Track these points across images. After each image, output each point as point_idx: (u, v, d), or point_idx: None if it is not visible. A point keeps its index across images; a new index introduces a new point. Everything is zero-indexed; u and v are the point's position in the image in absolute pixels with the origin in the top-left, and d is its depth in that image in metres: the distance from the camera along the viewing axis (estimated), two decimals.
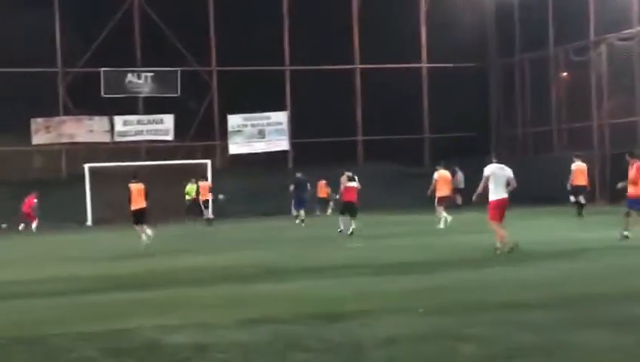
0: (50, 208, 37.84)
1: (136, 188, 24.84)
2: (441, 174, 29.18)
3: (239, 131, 42.17)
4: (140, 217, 24.55)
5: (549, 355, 8.13)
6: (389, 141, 42.29)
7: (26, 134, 39.81)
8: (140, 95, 41.29)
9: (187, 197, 38.09)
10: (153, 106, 41.34)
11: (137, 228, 24.51)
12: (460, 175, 40.15)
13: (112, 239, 29.70)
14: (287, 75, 42.78)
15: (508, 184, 18.30)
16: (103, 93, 40.28)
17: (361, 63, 43.37)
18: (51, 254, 23.47)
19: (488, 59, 45.61)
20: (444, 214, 27.71)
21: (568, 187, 29.90)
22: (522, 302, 11.47)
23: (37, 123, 39.89)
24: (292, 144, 42.73)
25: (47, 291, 14.58)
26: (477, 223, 23.84)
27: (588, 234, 22.29)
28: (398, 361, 8.04)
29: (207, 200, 36.84)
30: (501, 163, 18.67)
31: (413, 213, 35.52)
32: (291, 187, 35.81)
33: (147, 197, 24.83)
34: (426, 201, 39.79)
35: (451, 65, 43.46)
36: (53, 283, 15.76)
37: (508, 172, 18.40)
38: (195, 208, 37.38)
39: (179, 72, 41.10)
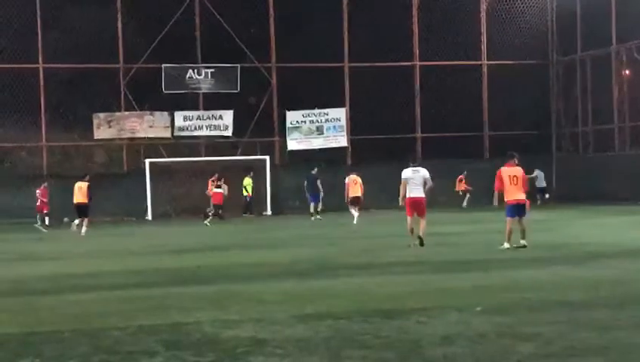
0: (111, 202, 38.37)
1: (79, 185, 29.79)
2: (352, 178, 32.95)
3: (297, 127, 42.27)
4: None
5: (609, 355, 8.04)
6: (448, 138, 42.07)
7: (89, 129, 40.35)
8: (200, 91, 41.59)
9: (245, 192, 38.32)
10: (213, 102, 41.61)
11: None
12: (539, 174, 39.92)
13: (172, 233, 29.99)
14: (346, 71, 42.76)
15: (425, 184, 20.62)
16: (163, 89, 40.66)
17: (420, 60, 43.17)
18: (112, 248, 23.76)
19: (549, 56, 45.10)
20: (355, 213, 31.37)
21: None
22: (583, 301, 11.37)
23: (99, 118, 40.41)
24: (350, 140, 42.69)
25: (107, 284, 14.78)
26: (542, 222, 23.63)
27: None
28: (456, 359, 8.01)
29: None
30: (416, 166, 21.09)
31: (470, 211, 35.34)
32: (305, 183, 36.12)
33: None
34: (482, 198, 39.83)
35: (512, 62, 43.05)
36: (113, 277, 15.96)
37: (423, 173, 20.71)
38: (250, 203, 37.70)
39: (239, 68, 41.31)
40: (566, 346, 8.42)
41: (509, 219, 19.20)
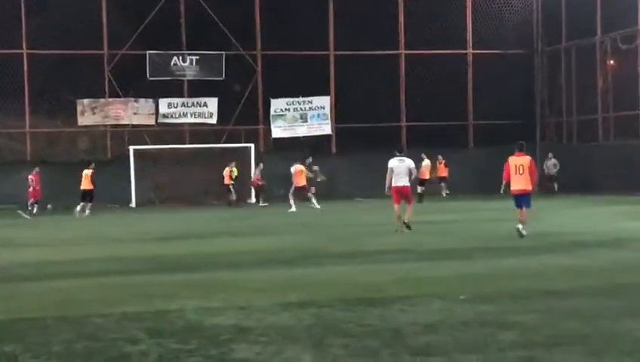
0: (95, 189, 38.19)
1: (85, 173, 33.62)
2: (297, 168, 33.45)
3: (282, 115, 42.20)
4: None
5: (592, 344, 8.09)
6: (433, 127, 42.10)
7: (72, 115, 40.16)
8: (185, 78, 41.47)
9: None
10: (198, 89, 41.50)
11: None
12: (553, 161, 39.94)
13: (156, 221, 29.94)
14: (332, 59, 42.70)
15: (411, 174, 21.48)
16: (148, 76, 40.52)
17: (405, 49, 43.16)
18: (95, 235, 23.70)
19: (534, 46, 45.17)
20: (292, 202, 32.59)
21: None
22: (567, 290, 11.43)
23: (83, 104, 40.22)
24: (335, 129, 42.68)
25: (90, 271, 14.75)
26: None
27: (636, 223, 22.09)
28: (438, 347, 8.04)
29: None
30: (402, 156, 21.58)
31: (455, 199, 35.43)
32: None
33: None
34: (467, 187, 39.93)
35: (497, 51, 43.11)
36: (97, 264, 15.93)
37: (408, 163, 21.48)
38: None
39: (223, 55, 41.19)
40: (549, 335, 8.46)
41: (516, 208, 19.25)
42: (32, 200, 35.07)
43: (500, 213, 24.92)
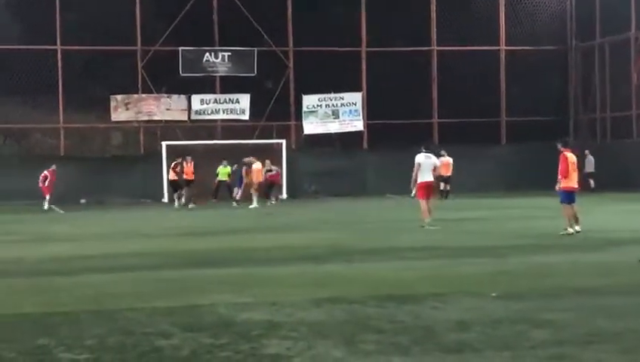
0: (128, 184, 38.52)
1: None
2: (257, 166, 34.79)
3: (314, 111, 42.22)
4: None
5: (624, 341, 8.03)
6: (465, 123, 41.91)
7: (106, 111, 40.44)
8: (217, 74, 41.59)
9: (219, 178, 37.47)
10: (230, 85, 41.60)
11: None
12: (590, 159, 39.63)
13: (187, 216, 30.07)
14: (364, 55, 42.65)
15: (434, 169, 22.14)
16: (180, 72, 40.68)
17: (438, 45, 43.01)
18: (127, 230, 23.85)
19: (568, 42, 44.84)
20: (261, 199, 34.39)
21: None
22: (599, 288, 11.35)
23: (116, 100, 40.49)
24: (367, 125, 42.63)
25: (123, 266, 14.85)
26: (559, 209, 23.53)
27: None
28: (470, 345, 8.01)
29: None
30: (428, 152, 22.27)
31: (487, 196, 35.28)
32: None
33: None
34: (499, 184, 39.74)
35: (530, 48, 42.85)
36: (129, 259, 16.03)
37: (434, 160, 22.30)
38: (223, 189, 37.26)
39: (255, 51, 41.26)
40: (581, 333, 8.41)
41: (567, 204, 19.18)
42: (47, 196, 35.19)
43: (531, 211, 24.83)
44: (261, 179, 35.07)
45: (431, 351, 7.84)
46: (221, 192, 37.26)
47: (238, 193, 36.16)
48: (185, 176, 35.55)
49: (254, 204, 33.78)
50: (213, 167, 37.24)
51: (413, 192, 22.81)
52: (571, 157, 19.45)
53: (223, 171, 37.18)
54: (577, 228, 18.91)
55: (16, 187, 35.93)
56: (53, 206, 34.29)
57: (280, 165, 39.03)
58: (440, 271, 13.37)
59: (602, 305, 10.01)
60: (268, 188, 36.23)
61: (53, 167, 35.71)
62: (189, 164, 35.78)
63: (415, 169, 21.88)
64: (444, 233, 20.06)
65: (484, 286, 11.48)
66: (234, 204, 35.38)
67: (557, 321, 8.99)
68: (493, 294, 10.74)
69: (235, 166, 36.72)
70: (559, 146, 19.66)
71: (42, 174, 35.33)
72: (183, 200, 34.82)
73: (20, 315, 10.01)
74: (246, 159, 35.83)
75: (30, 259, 16.42)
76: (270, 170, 36.51)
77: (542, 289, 11.21)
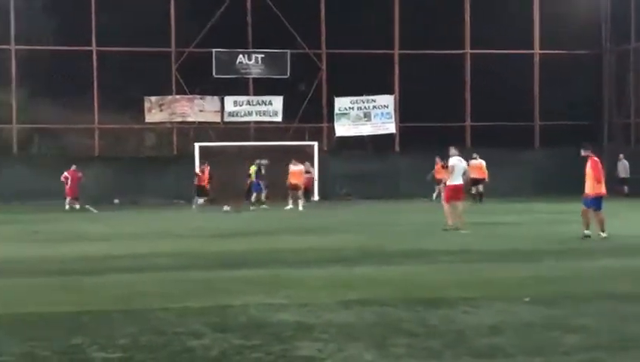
0: (161, 185, 38.74)
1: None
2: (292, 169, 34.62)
3: (346, 114, 42.21)
4: None
5: None
6: (498, 127, 41.72)
7: (140, 112, 40.71)
8: (250, 76, 41.72)
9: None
10: (263, 87, 41.69)
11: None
12: (625, 163, 39.28)
13: (218, 217, 30.16)
14: (396, 58, 42.59)
15: (464, 173, 22.39)
16: (214, 74, 40.85)
17: (471, 48, 42.86)
18: (159, 230, 23.97)
19: (602, 46, 44.52)
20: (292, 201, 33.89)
21: None
22: (632, 293, 11.27)
23: (150, 101, 40.73)
24: (399, 128, 42.57)
25: (154, 266, 14.94)
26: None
27: None
28: (502, 350, 7.99)
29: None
30: (460, 156, 22.57)
31: (519, 201, 35.10)
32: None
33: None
34: (531, 188, 39.52)
35: (564, 52, 42.58)
36: (161, 259, 16.12)
37: (464, 164, 22.65)
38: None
39: (288, 53, 41.35)
40: (613, 339, 8.36)
41: (599, 211, 19.11)
42: (68, 198, 35.35)
43: (563, 216, 24.65)
44: (299, 180, 34.65)
45: (462, 355, 7.82)
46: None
47: (259, 195, 35.51)
48: (200, 183, 35.43)
49: (295, 206, 33.62)
50: (245, 169, 37.21)
51: (437, 193, 22.86)
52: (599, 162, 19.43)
53: (255, 170, 36.30)
54: (603, 233, 18.91)
55: (51, 187, 36.20)
56: (87, 206, 34.54)
57: (312, 167, 39.04)
58: (471, 275, 13.32)
59: (635, 311, 9.94)
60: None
61: (74, 167, 35.96)
62: (205, 171, 35.63)
63: (450, 171, 22.28)
64: (475, 237, 19.99)
65: (516, 291, 11.44)
66: (251, 207, 34.17)
67: (589, 327, 8.94)
68: (526, 299, 10.69)
69: (258, 164, 36.09)
70: (586, 152, 19.54)
71: (63, 175, 35.65)
72: (201, 201, 34.33)
73: (53, 314, 10.11)
74: (260, 161, 35.60)
75: (63, 258, 16.55)
76: (308, 172, 36.54)
77: (574, 294, 11.14)
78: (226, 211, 32.40)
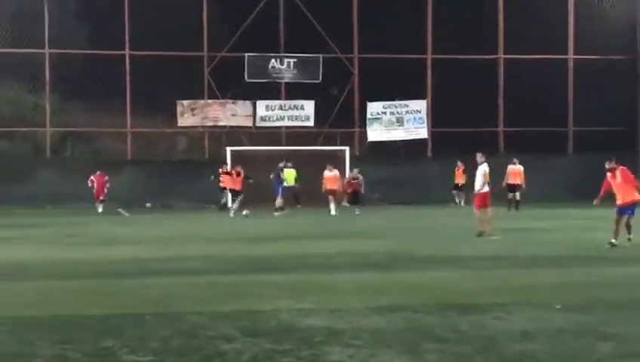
0: (193, 189, 38.86)
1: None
2: (327, 174, 35.39)
3: (378, 118, 42.17)
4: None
5: None
6: (531, 133, 41.47)
7: (172, 116, 40.90)
8: (283, 80, 41.78)
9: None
10: (295, 92, 41.72)
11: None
12: None
13: (249, 221, 30.21)
14: (429, 63, 42.49)
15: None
16: (246, 78, 40.95)
17: (505, 53, 42.65)
18: (191, 234, 24.05)
19: (638, 51, 44.12)
20: (332, 206, 34.15)
21: None
22: None
23: (182, 105, 40.90)
24: (431, 133, 42.45)
25: (185, 269, 14.99)
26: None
27: None
28: (534, 356, 7.92)
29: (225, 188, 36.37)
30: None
31: (552, 207, 34.86)
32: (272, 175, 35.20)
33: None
34: (565, 194, 39.20)
35: (599, 57, 42.25)
36: (192, 262, 16.18)
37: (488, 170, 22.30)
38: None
39: (321, 58, 41.36)
40: None
41: (632, 216, 19.12)
42: (97, 201, 35.65)
43: (595, 221, 24.43)
44: (335, 185, 35.01)
45: (493, 361, 7.77)
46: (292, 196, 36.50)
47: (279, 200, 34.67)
48: (223, 185, 35.54)
49: (334, 211, 33.93)
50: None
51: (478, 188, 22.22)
52: None
53: (289, 175, 35.21)
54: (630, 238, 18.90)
55: (84, 190, 36.44)
56: (120, 209, 34.72)
57: (342, 172, 38.93)
58: (503, 281, 13.24)
59: None
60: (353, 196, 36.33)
61: (99, 172, 36.28)
62: (241, 173, 34.41)
63: (484, 177, 22.01)
64: (507, 243, 19.88)
65: (548, 297, 11.36)
66: (275, 213, 33.33)
67: (622, 334, 8.85)
68: (558, 306, 10.60)
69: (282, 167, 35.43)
70: (610, 164, 19.46)
71: (89, 179, 35.95)
72: (236, 205, 33.97)
73: (84, 317, 10.17)
74: (281, 164, 35.47)
75: (95, 261, 16.66)
76: (356, 178, 36.44)
77: (606, 302, 11.04)
78: (246, 215, 32.22)
